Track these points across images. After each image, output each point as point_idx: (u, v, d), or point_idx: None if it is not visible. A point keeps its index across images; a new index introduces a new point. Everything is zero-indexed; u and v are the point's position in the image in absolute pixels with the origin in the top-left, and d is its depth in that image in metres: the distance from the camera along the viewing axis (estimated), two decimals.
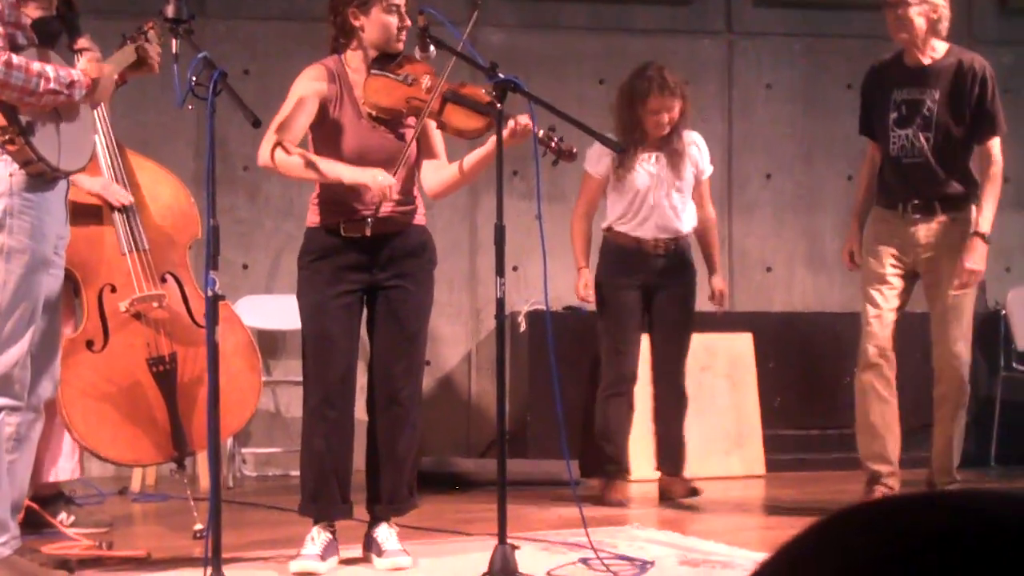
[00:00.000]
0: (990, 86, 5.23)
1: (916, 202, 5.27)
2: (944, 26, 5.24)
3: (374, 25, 4.35)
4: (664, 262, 5.74)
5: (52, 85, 3.66)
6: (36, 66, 3.64)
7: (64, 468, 5.04)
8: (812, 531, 0.87)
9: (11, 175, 3.68)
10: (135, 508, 5.80)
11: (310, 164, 4.25)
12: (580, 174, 7.31)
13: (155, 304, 4.94)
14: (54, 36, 4.02)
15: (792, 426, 6.86)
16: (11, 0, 3.67)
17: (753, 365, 6.75)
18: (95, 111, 4.87)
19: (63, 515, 4.96)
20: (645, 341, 5.87)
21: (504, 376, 4.15)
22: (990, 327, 7.10)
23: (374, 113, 4.34)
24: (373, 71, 4.37)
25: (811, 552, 0.87)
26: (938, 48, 5.30)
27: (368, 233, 4.35)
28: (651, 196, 5.71)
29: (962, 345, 5.32)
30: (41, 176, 3.73)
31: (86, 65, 3.84)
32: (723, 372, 6.70)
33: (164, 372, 4.89)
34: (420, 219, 4.54)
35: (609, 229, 5.83)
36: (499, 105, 4.07)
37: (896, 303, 5.35)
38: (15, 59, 3.59)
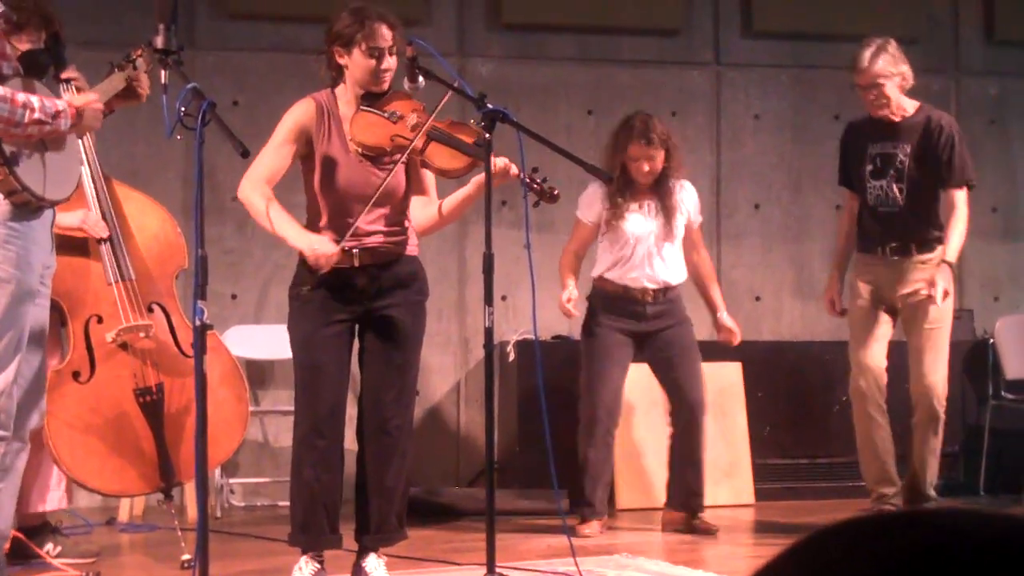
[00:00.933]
0: (956, 140, 5.70)
1: (894, 245, 5.71)
2: (910, 85, 5.73)
3: (356, 66, 4.38)
4: (654, 310, 5.73)
5: (37, 115, 3.67)
6: (21, 97, 3.64)
7: (52, 498, 5.02)
8: (795, 550, 0.87)
9: None
10: (123, 538, 5.77)
11: (267, 216, 4.32)
12: (569, 205, 7.33)
13: (142, 334, 4.93)
14: (43, 68, 4.04)
15: (782, 455, 6.86)
16: None
17: (742, 394, 6.75)
18: (80, 141, 4.88)
19: (50, 546, 4.93)
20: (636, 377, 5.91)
21: (493, 406, 4.14)
22: (979, 356, 7.11)
23: (360, 150, 4.35)
24: (361, 107, 4.38)
25: (794, 572, 0.87)
26: (908, 107, 5.77)
27: (357, 264, 4.37)
28: (642, 246, 5.70)
29: (937, 376, 5.67)
30: (26, 206, 3.73)
31: (72, 96, 3.84)
32: (712, 401, 6.67)
33: (151, 402, 4.88)
34: (412, 250, 4.55)
35: (600, 278, 5.81)
36: (488, 136, 4.07)
37: (884, 338, 5.77)
38: (0, 90, 3.59)
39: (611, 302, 5.74)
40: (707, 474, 6.55)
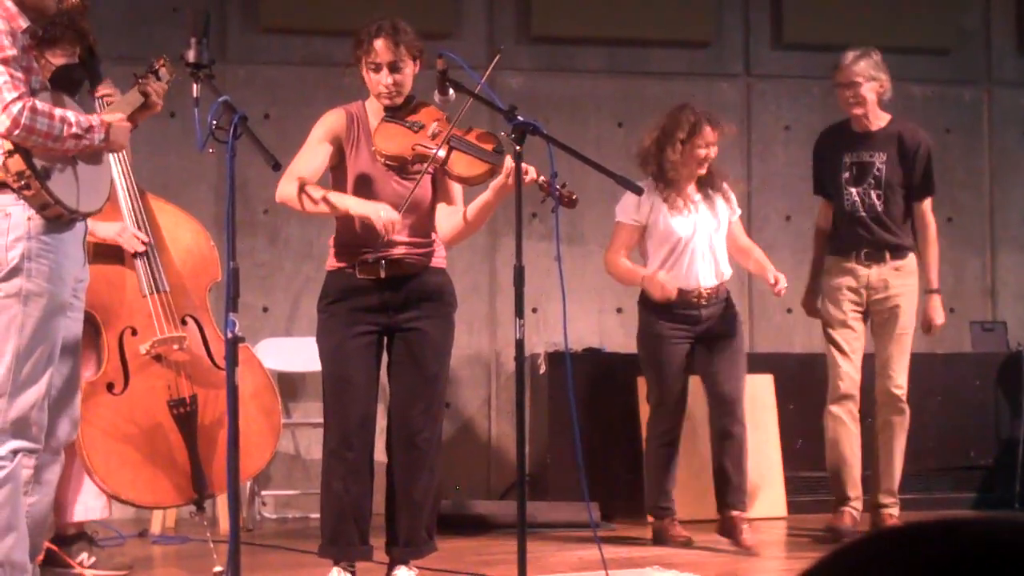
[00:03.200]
0: (928, 152, 5.90)
1: (867, 251, 5.87)
2: (887, 98, 5.93)
3: (366, 79, 4.45)
4: (708, 312, 5.65)
5: (74, 130, 3.69)
6: (59, 111, 3.67)
7: (93, 507, 5.03)
8: (831, 561, 0.87)
9: (29, 219, 3.70)
10: (155, 550, 5.79)
11: (322, 197, 4.30)
12: (598, 216, 7.33)
13: (176, 346, 4.95)
14: (77, 83, 4.06)
15: (814, 468, 6.82)
16: (23, 44, 3.71)
17: (774, 407, 6.73)
18: (117, 156, 4.91)
19: (84, 556, 4.96)
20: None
21: (524, 418, 4.14)
22: (1012, 368, 7.06)
23: (382, 159, 4.38)
24: (384, 118, 4.43)
25: None
26: (882, 118, 5.96)
27: (383, 275, 4.40)
28: (694, 242, 5.62)
29: (904, 379, 5.87)
30: (59, 219, 3.76)
31: (102, 113, 3.87)
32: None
33: (184, 414, 4.90)
34: (439, 262, 4.56)
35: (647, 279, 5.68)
36: (519, 148, 4.08)
37: (859, 344, 5.90)
38: (39, 104, 3.62)
39: (665, 305, 5.62)
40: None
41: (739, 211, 5.90)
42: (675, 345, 5.63)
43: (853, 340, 5.86)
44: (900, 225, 5.87)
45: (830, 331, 5.91)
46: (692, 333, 5.64)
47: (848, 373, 5.83)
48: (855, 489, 5.88)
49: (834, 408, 5.87)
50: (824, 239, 6.09)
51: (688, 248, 5.61)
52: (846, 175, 5.89)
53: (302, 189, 4.27)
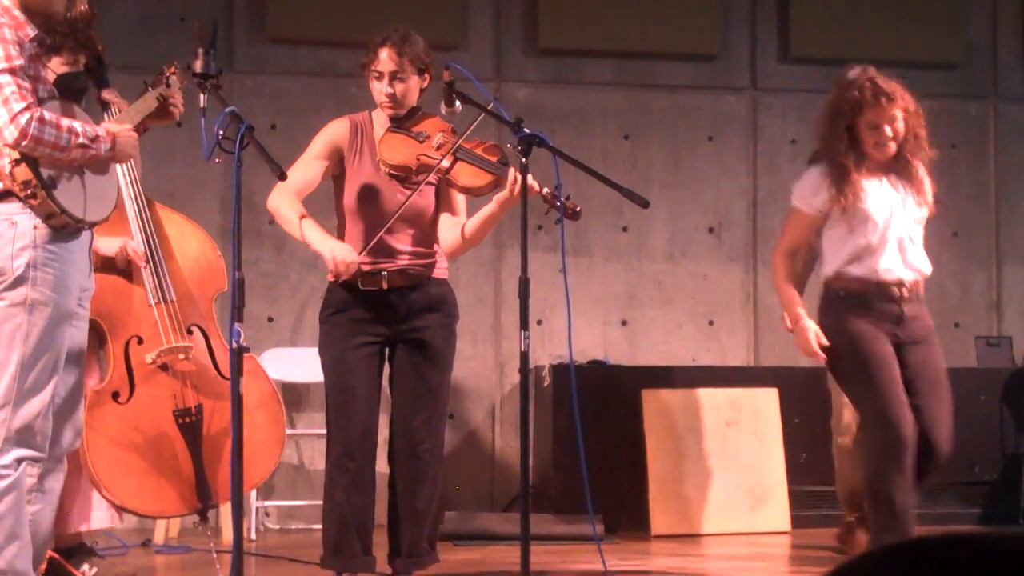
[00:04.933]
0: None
1: None
2: None
3: (370, 87, 4.50)
4: (911, 310, 4.83)
5: (81, 140, 3.70)
6: (65, 122, 3.68)
7: (100, 517, 5.03)
8: (845, 570, 0.87)
9: (35, 227, 3.71)
10: (158, 560, 5.79)
11: (294, 223, 4.40)
12: (604, 228, 7.34)
13: (182, 356, 4.96)
14: (80, 91, 4.07)
15: (818, 482, 6.81)
16: (31, 53, 3.72)
17: (779, 421, 6.72)
18: (124, 165, 4.92)
19: (86, 566, 4.95)
20: None
21: (528, 430, 4.14)
22: (1018, 383, 7.05)
23: (387, 169, 4.40)
24: (390, 128, 4.46)
25: None
26: None
27: (385, 286, 4.42)
28: (892, 228, 4.83)
29: None
30: (65, 228, 3.76)
31: (109, 123, 3.88)
32: (748, 427, 6.67)
33: (190, 424, 4.90)
34: (441, 272, 4.57)
35: (837, 276, 4.87)
36: (524, 160, 4.09)
37: None
38: (47, 115, 3.63)
39: (861, 300, 4.80)
40: (741, 500, 6.52)
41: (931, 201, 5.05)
42: (883, 344, 4.74)
43: None
44: None
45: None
46: (894, 334, 4.80)
47: (847, 401, 5.63)
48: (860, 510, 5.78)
49: (841, 439, 5.79)
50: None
51: (886, 233, 4.82)
52: None
53: (281, 209, 4.41)
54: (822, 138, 4.94)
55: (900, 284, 4.80)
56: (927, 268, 4.89)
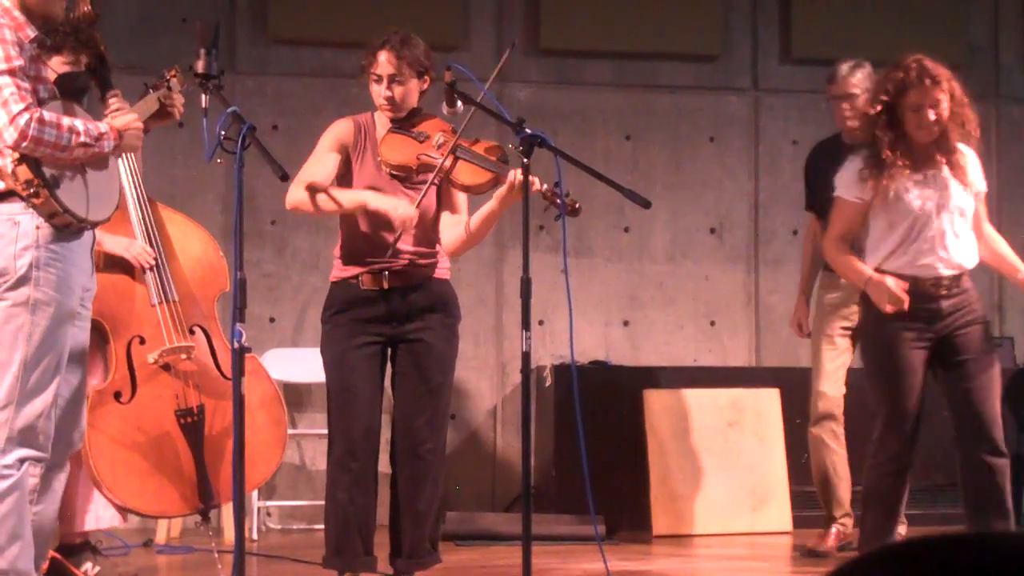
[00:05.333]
0: None
1: None
2: None
3: (370, 89, 4.50)
4: (949, 304, 4.73)
5: (83, 139, 3.70)
6: (66, 121, 3.68)
7: (103, 516, 5.03)
8: (846, 570, 0.87)
9: (37, 227, 3.71)
10: (160, 560, 5.79)
11: (335, 195, 4.35)
12: (605, 228, 7.35)
13: (184, 356, 4.96)
14: (81, 91, 4.07)
15: None
16: (31, 53, 3.72)
17: (780, 421, 6.72)
18: (126, 166, 4.93)
19: (88, 565, 4.96)
20: None
21: (530, 431, 4.14)
22: (1019, 384, 7.04)
23: (388, 169, 4.41)
24: (391, 128, 4.46)
25: None
26: None
27: (387, 286, 4.42)
28: (931, 222, 4.72)
29: None
30: (67, 228, 3.76)
31: (111, 119, 3.88)
32: (750, 428, 6.67)
33: (191, 424, 4.91)
34: (442, 272, 4.57)
35: (878, 270, 4.77)
36: (526, 160, 4.09)
37: (845, 361, 5.78)
38: (47, 115, 3.63)
39: (908, 305, 4.71)
40: (742, 501, 6.51)
41: (984, 187, 4.90)
42: (912, 349, 4.72)
43: (836, 358, 5.77)
44: None
45: (817, 349, 5.84)
46: (929, 335, 4.72)
47: (828, 392, 5.75)
48: (841, 508, 5.82)
49: (814, 429, 5.81)
50: (811, 256, 6.03)
51: (924, 229, 4.73)
52: None
53: (314, 191, 4.31)
54: (864, 121, 4.89)
55: (938, 280, 4.70)
56: (970, 262, 4.75)
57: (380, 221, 4.38)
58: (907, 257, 4.71)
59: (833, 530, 5.78)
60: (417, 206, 4.34)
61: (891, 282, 4.62)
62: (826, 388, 5.76)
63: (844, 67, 5.81)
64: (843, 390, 5.78)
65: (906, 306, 4.60)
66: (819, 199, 5.89)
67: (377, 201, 4.32)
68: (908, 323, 4.67)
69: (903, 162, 4.69)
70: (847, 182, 4.86)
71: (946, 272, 4.70)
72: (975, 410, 4.71)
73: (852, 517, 5.80)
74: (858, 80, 5.76)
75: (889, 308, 4.61)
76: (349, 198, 4.36)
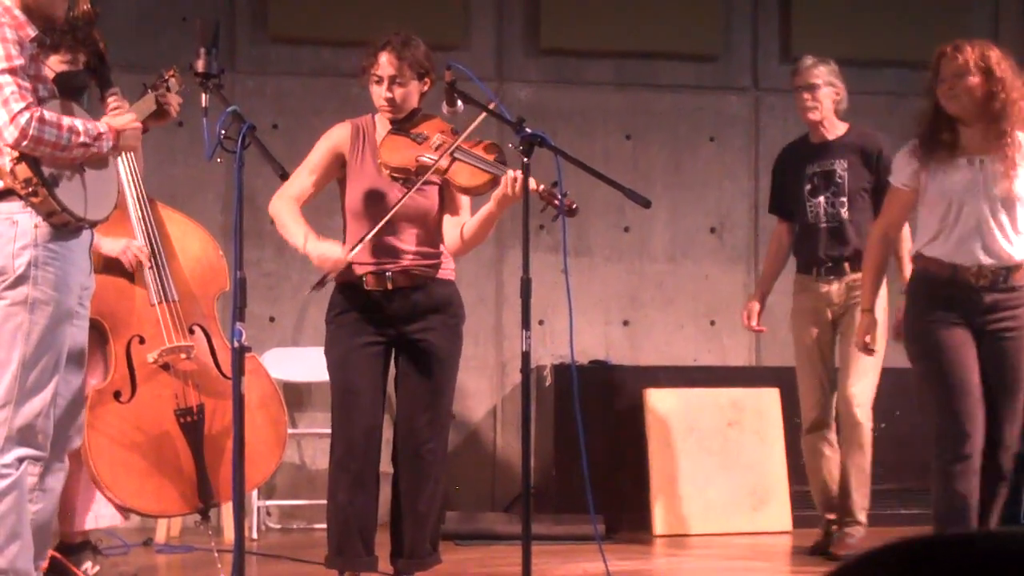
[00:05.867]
0: (890, 155, 5.49)
1: (828, 265, 5.74)
2: (843, 107, 5.85)
3: (370, 91, 4.50)
4: (991, 299, 4.57)
5: (82, 139, 3.70)
6: (66, 121, 3.67)
7: (104, 515, 5.03)
8: (847, 570, 0.87)
9: (36, 226, 3.71)
10: (159, 559, 5.79)
11: (287, 226, 4.48)
12: (605, 228, 7.35)
13: (183, 355, 4.96)
14: (80, 90, 4.07)
15: None
16: (31, 52, 3.72)
17: (780, 420, 6.72)
18: (126, 165, 4.93)
19: (88, 564, 4.96)
20: None
21: (529, 430, 4.14)
22: None
23: (387, 171, 4.41)
24: (391, 130, 4.46)
25: None
26: (840, 127, 5.87)
27: (390, 287, 4.43)
28: (968, 207, 4.59)
29: (858, 388, 5.62)
30: (66, 227, 3.76)
31: (110, 118, 3.88)
32: (750, 427, 6.67)
33: (191, 423, 4.91)
34: (446, 273, 4.58)
35: (918, 255, 4.72)
36: (526, 160, 4.09)
37: (827, 363, 5.78)
38: (47, 114, 3.63)
39: (936, 289, 4.63)
40: (742, 500, 6.50)
41: None
42: (952, 327, 4.58)
43: (821, 361, 5.75)
44: (863, 234, 5.59)
45: (799, 355, 5.83)
46: (971, 321, 4.59)
47: (816, 400, 5.74)
48: (834, 512, 5.77)
49: (808, 437, 5.80)
50: (775, 259, 6.02)
51: (961, 214, 4.61)
52: (808, 186, 5.79)
53: (280, 217, 4.47)
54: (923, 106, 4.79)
55: (979, 269, 4.56)
56: (1013, 254, 4.57)
57: (377, 222, 4.38)
58: (948, 244, 4.60)
59: (845, 536, 5.67)
60: (416, 212, 4.35)
61: (864, 330, 4.90)
62: (816, 395, 5.75)
63: (808, 59, 5.87)
64: (825, 396, 5.73)
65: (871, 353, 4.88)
66: (785, 202, 5.97)
67: (311, 246, 4.39)
68: (947, 311, 4.57)
69: (947, 145, 4.61)
70: (896, 168, 4.82)
71: (987, 261, 4.55)
72: (988, 433, 4.56)
73: (862, 524, 5.72)
74: (821, 72, 5.79)
75: (859, 340, 4.92)
76: (293, 233, 4.45)
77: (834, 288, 5.73)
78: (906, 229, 5.35)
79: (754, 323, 5.96)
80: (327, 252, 4.34)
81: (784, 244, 6.00)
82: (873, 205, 5.71)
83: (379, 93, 4.46)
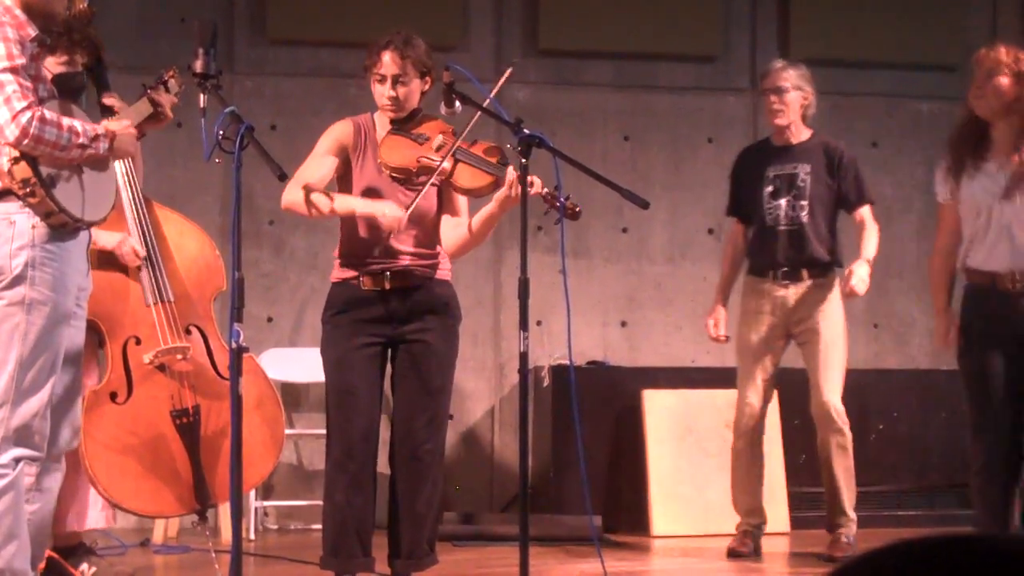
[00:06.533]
0: (853, 163, 5.79)
1: (785, 269, 5.72)
2: (811, 112, 5.85)
3: (372, 90, 4.48)
4: None
5: (81, 139, 3.70)
6: (66, 121, 3.68)
7: (93, 516, 5.03)
8: (846, 570, 0.87)
9: (33, 227, 3.71)
10: (157, 560, 5.79)
11: (326, 200, 4.32)
12: (604, 229, 7.34)
13: (179, 356, 4.96)
14: (77, 91, 4.06)
15: (817, 483, 6.79)
16: (32, 52, 3.71)
17: (778, 422, 6.71)
18: (123, 165, 4.92)
19: (84, 566, 4.95)
20: None
21: (527, 431, 4.14)
22: None
23: (388, 171, 4.40)
24: (391, 130, 4.45)
25: None
26: (804, 132, 5.86)
27: (388, 287, 4.42)
28: (996, 212, 4.56)
29: (834, 395, 5.66)
30: (63, 227, 3.76)
31: (107, 122, 3.88)
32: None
33: (187, 424, 4.90)
34: (443, 274, 4.57)
35: (962, 266, 4.72)
36: (524, 160, 4.09)
37: (770, 369, 5.77)
38: (48, 114, 3.63)
39: (979, 301, 4.61)
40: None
41: None
42: (988, 350, 4.58)
43: (764, 365, 5.73)
44: (822, 239, 5.70)
45: (742, 357, 5.80)
46: (1009, 332, 4.55)
47: (750, 402, 5.73)
48: (758, 517, 5.82)
49: (738, 442, 5.79)
50: (731, 260, 5.98)
51: (992, 220, 4.57)
52: (769, 189, 5.77)
53: (308, 194, 4.30)
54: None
55: (1011, 275, 4.52)
56: None
57: (379, 223, 4.38)
58: (983, 252, 4.59)
59: (745, 541, 5.76)
60: (412, 208, 4.33)
61: (941, 331, 4.74)
62: (752, 398, 5.75)
63: (778, 63, 5.89)
64: (761, 399, 5.75)
65: (949, 342, 4.66)
66: (743, 204, 5.95)
67: (365, 206, 4.33)
68: (988, 325, 4.57)
69: (977, 151, 4.60)
70: (937, 183, 4.79)
71: (1019, 266, 4.51)
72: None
73: (764, 520, 5.84)
74: (790, 75, 5.78)
75: (937, 343, 4.80)
76: (340, 203, 4.35)
77: (790, 293, 5.71)
78: (871, 222, 5.64)
79: (721, 332, 5.87)
80: (391, 210, 4.26)
81: (740, 247, 5.96)
82: (833, 212, 5.77)
83: (382, 92, 4.45)
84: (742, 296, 5.88)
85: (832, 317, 5.69)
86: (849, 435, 5.67)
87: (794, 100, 5.77)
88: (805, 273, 5.69)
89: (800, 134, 5.84)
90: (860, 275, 5.48)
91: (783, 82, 5.76)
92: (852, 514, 5.71)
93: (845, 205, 5.77)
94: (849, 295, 5.52)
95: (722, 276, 6.04)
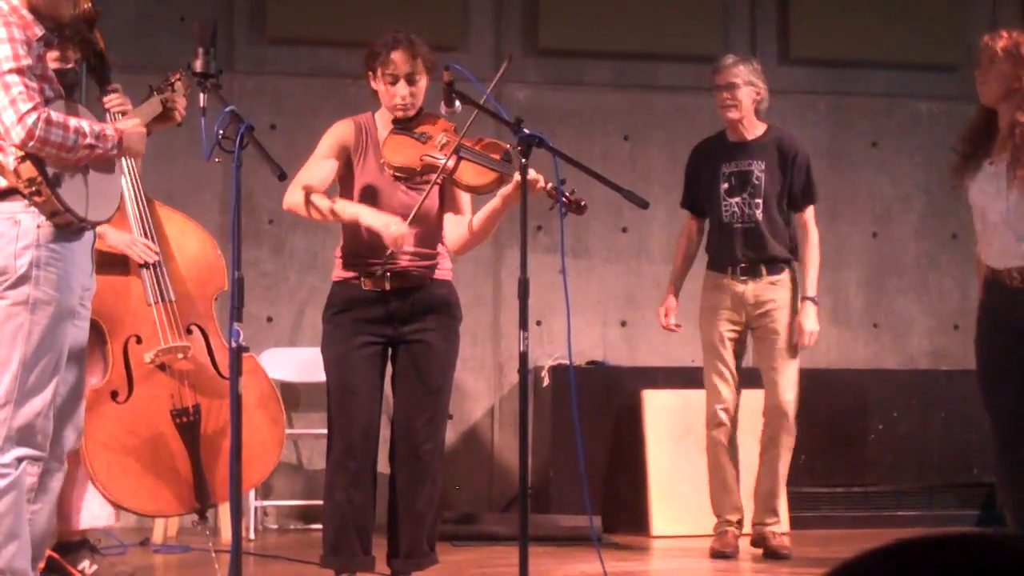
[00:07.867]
0: (806, 161, 5.84)
1: (743, 265, 5.77)
2: (764, 107, 5.89)
3: (379, 91, 4.47)
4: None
5: (88, 140, 3.70)
6: (73, 122, 3.68)
7: (99, 515, 5.03)
8: (845, 570, 0.87)
9: (38, 226, 3.71)
10: (156, 559, 5.79)
11: (329, 206, 4.33)
12: (603, 229, 7.35)
13: (180, 355, 4.96)
14: (70, 87, 4.07)
15: (817, 483, 6.82)
16: (38, 52, 3.72)
17: None
18: (125, 164, 4.93)
19: (85, 564, 4.95)
20: None
21: (527, 431, 4.14)
22: None
23: (391, 171, 4.40)
24: (393, 129, 4.45)
25: None
26: (758, 127, 5.89)
27: (388, 286, 4.42)
28: (989, 213, 4.60)
29: (790, 395, 5.77)
30: (68, 227, 3.76)
31: (115, 122, 3.89)
32: (748, 429, 6.65)
33: (188, 424, 4.91)
34: (444, 273, 4.57)
35: (979, 263, 4.80)
36: (524, 160, 4.09)
37: (735, 363, 5.84)
38: (54, 115, 3.63)
39: (991, 297, 4.64)
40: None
41: None
42: (994, 343, 4.61)
43: (730, 359, 5.79)
44: (779, 236, 5.77)
45: (707, 353, 5.85)
46: (1010, 326, 4.55)
47: (724, 396, 5.77)
48: (737, 512, 5.86)
49: (713, 433, 5.83)
50: (684, 253, 6.02)
51: (987, 220, 4.61)
52: (725, 186, 5.81)
53: (308, 197, 4.30)
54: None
55: (1008, 273, 4.53)
56: None
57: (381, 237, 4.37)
58: (990, 248, 4.63)
59: (727, 531, 5.81)
60: (417, 212, 4.33)
61: None
62: (723, 391, 5.79)
63: (729, 58, 5.90)
64: (733, 393, 5.81)
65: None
66: (698, 199, 5.98)
67: (370, 218, 4.32)
68: (993, 315, 4.61)
69: (980, 148, 4.62)
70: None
71: (1015, 263, 4.52)
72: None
73: (741, 515, 5.87)
74: (740, 71, 5.81)
75: None
76: (343, 209, 4.35)
77: (749, 288, 5.77)
78: (812, 226, 5.78)
79: (671, 321, 5.94)
80: (396, 226, 4.25)
81: (694, 240, 6.01)
82: (787, 209, 5.81)
83: (394, 92, 4.42)
84: (702, 291, 5.94)
85: (786, 315, 5.77)
86: (794, 435, 5.78)
87: (746, 96, 5.80)
88: (763, 269, 5.77)
89: (754, 129, 5.87)
90: (809, 328, 5.70)
91: (734, 78, 5.80)
92: (784, 517, 5.86)
93: (792, 203, 5.83)
94: (804, 345, 5.74)
95: (674, 268, 6.09)
